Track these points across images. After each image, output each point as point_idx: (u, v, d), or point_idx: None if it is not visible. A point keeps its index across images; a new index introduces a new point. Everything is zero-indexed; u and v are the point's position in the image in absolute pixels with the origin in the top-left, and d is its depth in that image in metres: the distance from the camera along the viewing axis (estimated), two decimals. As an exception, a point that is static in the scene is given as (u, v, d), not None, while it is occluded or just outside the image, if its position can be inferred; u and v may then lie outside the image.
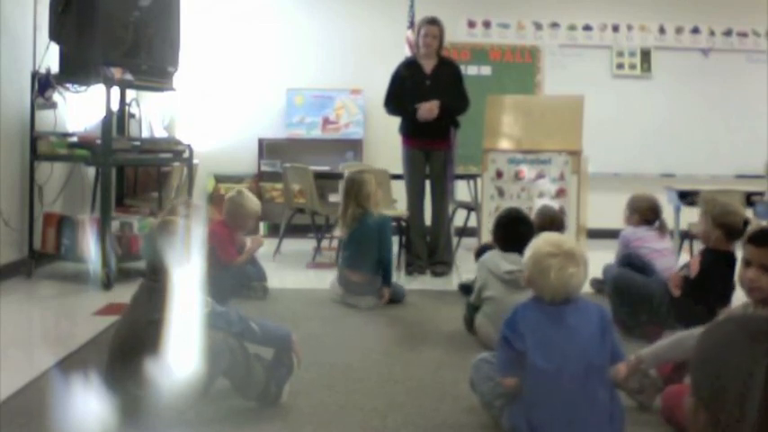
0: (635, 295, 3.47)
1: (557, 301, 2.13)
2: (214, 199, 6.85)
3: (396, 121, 5.40)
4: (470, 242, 5.74)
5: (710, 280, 3.30)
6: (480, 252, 4.29)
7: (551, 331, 2.10)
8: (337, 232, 4.44)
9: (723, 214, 3.34)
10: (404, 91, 5.19)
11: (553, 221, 3.98)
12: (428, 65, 5.21)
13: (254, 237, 4.40)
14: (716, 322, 1.06)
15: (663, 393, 2.39)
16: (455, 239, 5.90)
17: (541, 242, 2.19)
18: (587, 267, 2.17)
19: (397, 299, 4.24)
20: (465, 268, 5.07)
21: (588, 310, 2.17)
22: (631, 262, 3.96)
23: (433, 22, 5.18)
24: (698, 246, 5.48)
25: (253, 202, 4.35)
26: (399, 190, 5.68)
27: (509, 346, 2.12)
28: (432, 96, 5.09)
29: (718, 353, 0.98)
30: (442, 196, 5.28)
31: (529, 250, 2.20)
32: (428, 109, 5.02)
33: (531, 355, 2.07)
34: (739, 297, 3.46)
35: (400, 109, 5.22)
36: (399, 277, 5.00)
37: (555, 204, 4.97)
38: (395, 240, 5.58)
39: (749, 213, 5.45)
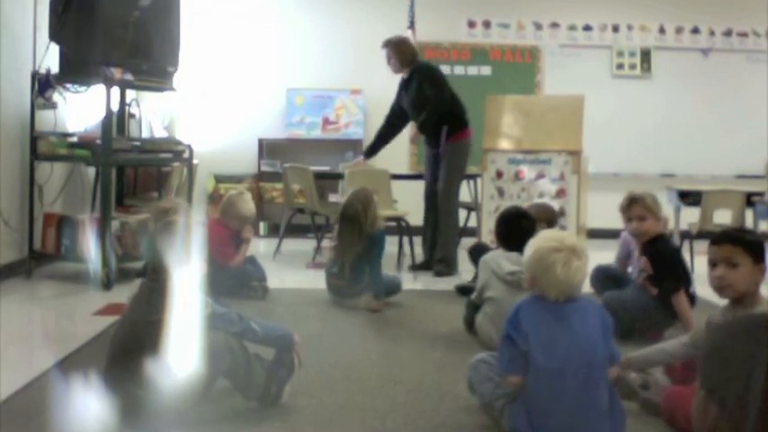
0: (631, 312, 3.43)
1: (560, 298, 2.12)
2: (214, 199, 6.85)
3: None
4: (470, 242, 5.73)
5: (667, 263, 3.37)
6: (474, 250, 4.29)
7: (554, 330, 2.09)
8: (334, 267, 4.15)
9: (656, 201, 3.49)
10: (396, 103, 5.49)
11: (549, 218, 3.99)
12: (406, 77, 5.34)
13: (243, 235, 4.37)
14: (720, 324, 1.12)
15: (664, 394, 2.40)
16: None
17: (542, 239, 2.18)
18: (588, 262, 2.16)
19: (392, 291, 4.21)
20: (464, 268, 5.07)
21: (589, 310, 2.16)
22: (608, 274, 3.95)
23: (383, 45, 5.27)
24: (697, 245, 5.49)
25: (247, 205, 4.34)
26: (399, 190, 5.68)
27: (513, 344, 2.11)
28: (409, 111, 5.33)
29: (724, 347, 1.05)
30: (441, 194, 5.24)
31: (529, 249, 2.19)
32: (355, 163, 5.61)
33: (534, 354, 2.06)
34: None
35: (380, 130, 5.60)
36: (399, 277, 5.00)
37: (555, 204, 4.98)
38: (394, 240, 5.61)
39: (749, 213, 5.46)
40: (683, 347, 2.45)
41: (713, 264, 2.27)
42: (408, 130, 6.68)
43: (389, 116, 5.52)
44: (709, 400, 1.03)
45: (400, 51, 5.22)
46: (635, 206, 3.51)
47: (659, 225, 3.53)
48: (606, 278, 3.96)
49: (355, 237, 4.08)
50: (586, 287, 3.22)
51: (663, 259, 3.40)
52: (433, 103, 5.14)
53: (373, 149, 5.65)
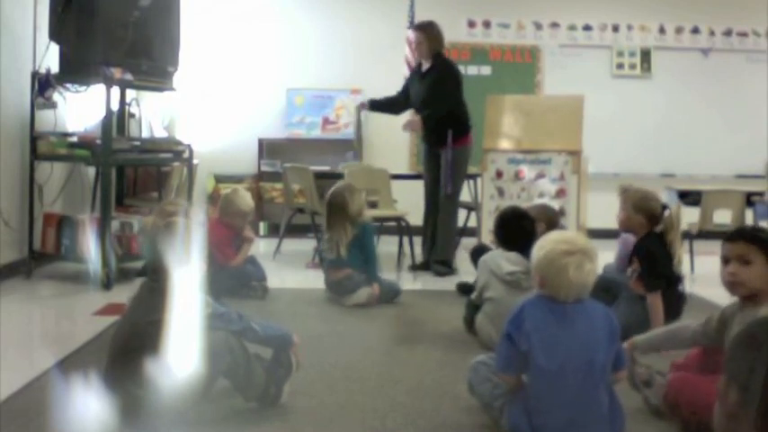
0: (625, 330, 3.42)
1: (570, 300, 2.12)
2: (214, 199, 6.85)
3: (397, 122, 5.42)
4: (470, 242, 5.74)
5: (655, 263, 3.38)
6: (475, 252, 4.29)
7: (556, 330, 2.09)
8: (331, 254, 4.26)
9: (642, 200, 3.49)
10: (403, 93, 5.38)
11: (550, 219, 3.97)
12: (425, 66, 5.22)
13: (245, 235, 4.39)
14: (749, 323, 1.19)
15: (668, 380, 2.38)
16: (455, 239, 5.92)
17: (553, 242, 2.16)
18: (598, 263, 2.17)
19: (390, 297, 4.23)
20: (464, 268, 5.07)
21: (595, 312, 2.16)
22: (599, 285, 3.84)
23: (416, 28, 5.19)
24: (697, 245, 5.49)
25: (244, 200, 4.37)
26: (399, 190, 5.68)
27: (512, 343, 2.11)
28: (415, 100, 5.25)
29: (750, 341, 1.10)
30: (445, 197, 5.25)
31: (540, 251, 2.16)
32: (410, 122, 5.24)
33: (535, 354, 2.06)
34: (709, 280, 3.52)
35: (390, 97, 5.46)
36: (399, 277, 5.01)
37: (555, 204, 4.98)
38: (394, 240, 5.61)
39: (749, 213, 5.47)
40: (692, 335, 2.42)
41: (726, 260, 2.27)
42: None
43: (397, 96, 5.45)
44: (730, 386, 1.08)
45: (434, 38, 5.14)
46: (620, 197, 3.58)
47: (636, 222, 3.51)
48: (598, 289, 3.86)
49: (345, 221, 4.21)
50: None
51: (644, 258, 3.40)
52: (446, 100, 5.08)
53: (377, 105, 5.56)
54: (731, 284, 2.26)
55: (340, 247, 4.19)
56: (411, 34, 5.17)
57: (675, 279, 3.50)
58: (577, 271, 2.08)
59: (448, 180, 5.10)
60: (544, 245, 2.18)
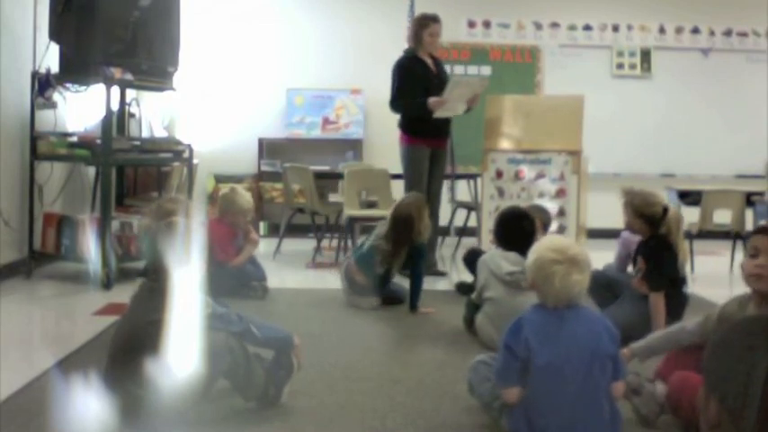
0: (631, 328, 3.40)
1: (559, 306, 2.13)
2: (214, 199, 6.85)
3: (395, 120, 5.37)
4: (471, 242, 5.74)
5: (660, 263, 3.38)
6: (469, 256, 4.28)
7: (555, 332, 2.09)
8: (380, 268, 4.12)
9: (643, 206, 3.47)
10: (413, 88, 4.95)
11: (542, 221, 3.98)
12: (430, 62, 5.16)
13: (249, 237, 4.40)
14: (726, 326, 1.13)
15: (670, 379, 2.35)
16: (455, 239, 5.90)
17: (545, 248, 2.17)
18: (590, 272, 2.16)
19: (397, 300, 4.22)
20: (464, 268, 5.06)
21: (592, 315, 2.18)
22: (602, 282, 3.73)
23: (438, 20, 5.13)
24: (697, 245, 5.50)
25: (244, 198, 4.38)
26: (400, 190, 5.66)
27: (511, 353, 2.10)
28: (439, 94, 4.93)
29: (726, 347, 1.06)
30: (437, 195, 5.26)
31: (532, 255, 2.18)
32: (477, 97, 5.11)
33: (535, 355, 2.06)
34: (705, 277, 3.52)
35: (417, 106, 4.95)
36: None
37: (555, 204, 4.98)
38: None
39: (749, 213, 5.47)
40: (689, 335, 2.39)
41: (754, 253, 2.22)
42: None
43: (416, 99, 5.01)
44: (709, 398, 1.05)
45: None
46: (622, 201, 3.57)
47: (638, 227, 3.51)
48: (600, 287, 3.83)
49: (407, 241, 4.06)
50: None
51: (650, 259, 3.40)
52: None
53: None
54: (757, 277, 2.20)
55: (393, 267, 4.11)
56: (434, 26, 5.07)
57: (680, 280, 3.50)
58: (563, 280, 2.09)
59: (440, 177, 5.20)
60: (537, 249, 2.19)
